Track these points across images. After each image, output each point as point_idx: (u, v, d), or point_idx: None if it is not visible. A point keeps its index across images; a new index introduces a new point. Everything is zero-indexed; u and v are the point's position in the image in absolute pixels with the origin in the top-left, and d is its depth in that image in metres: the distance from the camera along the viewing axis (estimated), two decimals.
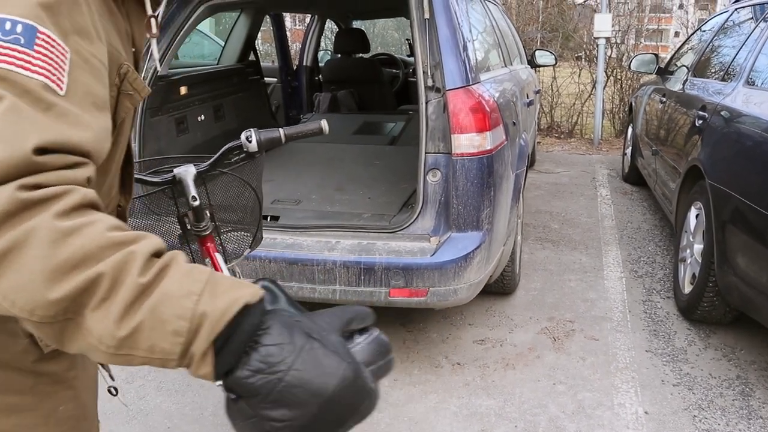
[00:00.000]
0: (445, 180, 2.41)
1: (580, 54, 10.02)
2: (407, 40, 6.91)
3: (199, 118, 3.20)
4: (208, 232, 1.54)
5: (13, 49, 0.62)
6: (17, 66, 0.62)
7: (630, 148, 5.94)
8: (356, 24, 6.16)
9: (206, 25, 6.96)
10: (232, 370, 0.59)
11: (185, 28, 2.82)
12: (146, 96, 0.88)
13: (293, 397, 0.58)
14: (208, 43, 5.93)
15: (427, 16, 2.45)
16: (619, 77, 8.49)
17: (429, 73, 2.42)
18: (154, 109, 2.75)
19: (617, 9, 9.11)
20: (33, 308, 0.57)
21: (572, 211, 5.06)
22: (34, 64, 0.63)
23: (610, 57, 8.40)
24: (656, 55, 5.14)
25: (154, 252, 0.61)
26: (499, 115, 2.60)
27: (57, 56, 0.65)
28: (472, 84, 2.46)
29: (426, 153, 2.41)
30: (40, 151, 0.60)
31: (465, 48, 2.51)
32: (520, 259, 3.56)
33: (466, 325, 3.13)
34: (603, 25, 7.42)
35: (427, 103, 2.41)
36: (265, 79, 4.56)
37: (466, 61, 2.47)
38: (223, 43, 4.32)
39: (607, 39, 7.78)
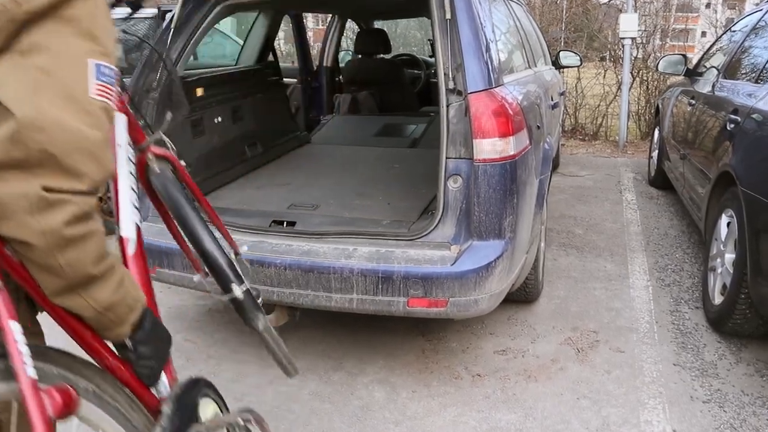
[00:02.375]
0: (467, 186, 2.33)
1: (604, 54, 9.84)
2: (429, 40, 6.83)
3: (216, 120, 3.16)
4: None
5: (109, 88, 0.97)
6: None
7: (656, 151, 5.79)
8: (377, 24, 6.10)
9: (228, 25, 6.94)
10: (134, 336, 1.13)
11: (201, 28, 2.78)
12: None
13: (159, 350, 1.20)
14: (230, 43, 5.90)
15: (448, 16, 2.37)
16: (645, 78, 8.32)
17: (450, 76, 2.34)
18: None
19: (643, 8, 8.92)
20: (76, 275, 0.97)
21: (597, 216, 4.94)
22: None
23: (635, 58, 8.23)
24: (684, 56, 5.00)
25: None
26: (522, 118, 2.51)
27: None
28: (495, 87, 2.38)
29: (447, 158, 2.33)
30: None
31: (487, 49, 2.43)
32: (543, 266, 3.46)
33: (487, 335, 3.04)
34: (629, 25, 7.26)
35: (448, 106, 2.33)
36: (285, 80, 4.52)
37: (489, 63, 2.39)
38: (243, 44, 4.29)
39: (633, 39, 7.61)
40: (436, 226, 2.37)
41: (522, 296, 3.20)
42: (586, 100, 8.59)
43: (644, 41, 8.43)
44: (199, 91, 3.10)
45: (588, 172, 6.50)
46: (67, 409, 0.96)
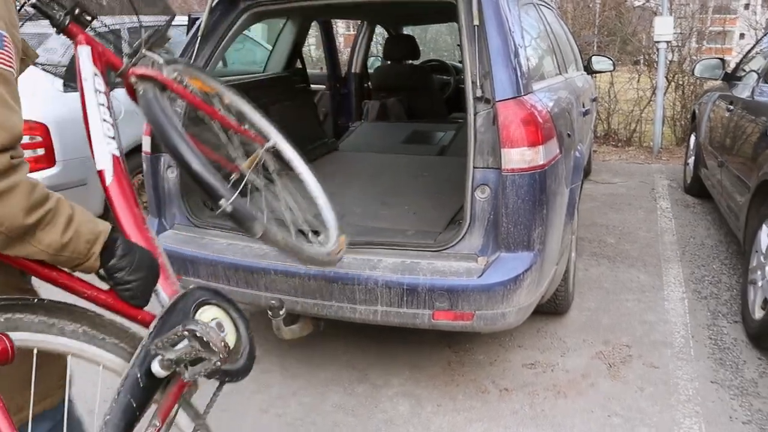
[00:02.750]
0: (495, 197, 2.27)
1: (638, 58, 9.64)
2: (459, 45, 6.78)
3: None
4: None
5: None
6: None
7: (693, 157, 5.63)
8: (407, 30, 6.06)
9: (258, 32, 6.98)
10: (107, 264, 1.18)
11: (229, 35, 2.77)
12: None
13: (137, 272, 1.21)
14: (260, 50, 5.93)
15: (476, 22, 2.32)
16: (680, 83, 8.13)
17: (478, 83, 2.29)
18: (195, 119, 2.70)
19: (678, 11, 8.72)
20: (11, 226, 1.00)
21: (630, 225, 4.82)
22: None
23: (671, 61, 8.05)
24: (722, 60, 4.85)
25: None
26: (552, 126, 2.44)
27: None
28: (524, 94, 2.31)
29: (474, 168, 2.27)
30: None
31: (516, 56, 2.37)
32: (574, 276, 3.37)
33: (516, 347, 2.97)
34: (664, 28, 7.10)
35: (475, 114, 2.28)
36: (314, 86, 4.50)
37: (518, 70, 2.33)
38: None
39: (668, 43, 7.45)
40: (462, 237, 2.32)
41: (552, 308, 3.12)
42: (619, 105, 8.43)
43: (680, 44, 8.23)
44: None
45: (621, 179, 6.36)
46: (4, 355, 1.02)
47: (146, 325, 1.26)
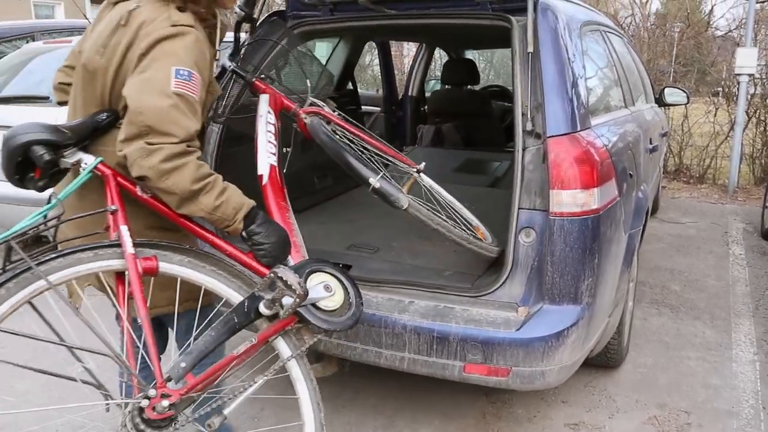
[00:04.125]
0: (540, 242, 2.05)
1: (717, 90, 9.13)
2: None
3: (284, 150, 3.03)
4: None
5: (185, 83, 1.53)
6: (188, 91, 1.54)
7: None
8: (468, 54, 5.88)
9: (323, 50, 6.94)
10: (248, 228, 1.62)
11: (273, 54, 2.67)
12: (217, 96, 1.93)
13: (270, 237, 1.65)
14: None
15: (530, 49, 2.12)
16: (762, 118, 7.61)
17: (528, 116, 2.09)
18: (232, 140, 2.60)
19: (764, 41, 8.21)
20: (183, 191, 1.50)
21: (697, 271, 4.45)
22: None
23: (752, 95, 7.55)
24: None
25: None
26: (611, 166, 2.21)
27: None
28: (580, 130, 2.09)
29: (519, 209, 2.06)
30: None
31: (574, 87, 2.16)
32: (630, 327, 3.08)
33: (559, 402, 2.71)
34: (747, 60, 6.67)
35: (524, 150, 2.08)
36: (367, 108, 4.37)
37: (574, 103, 2.12)
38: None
39: (751, 75, 6.99)
40: (503, 283, 2.10)
41: (602, 361, 2.85)
42: (693, 139, 7.96)
43: (763, 78, 7.72)
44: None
45: (691, 219, 5.95)
46: (151, 269, 1.53)
47: None
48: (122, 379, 1.84)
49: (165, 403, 1.44)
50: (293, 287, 1.52)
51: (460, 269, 2.37)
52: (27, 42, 5.98)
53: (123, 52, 1.57)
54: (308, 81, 2.32)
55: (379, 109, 4.92)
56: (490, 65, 9.96)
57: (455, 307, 2.13)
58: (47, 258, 1.42)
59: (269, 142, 2.03)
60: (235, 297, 1.64)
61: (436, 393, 2.73)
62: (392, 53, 5.08)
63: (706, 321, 3.60)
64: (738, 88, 7.03)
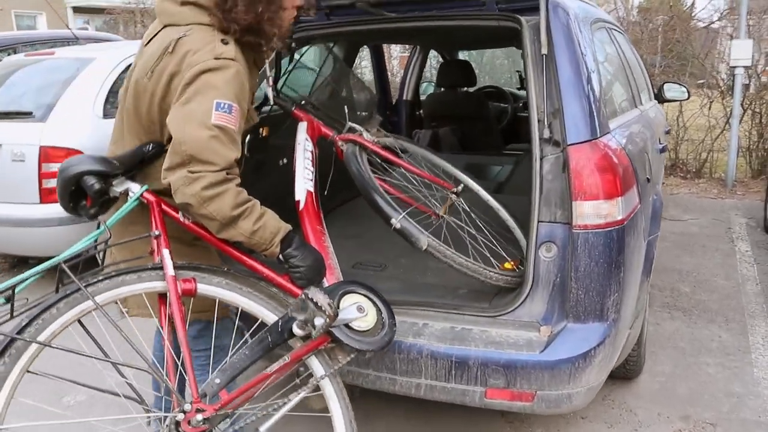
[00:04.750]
0: (562, 257, 1.93)
1: (702, 81, 9.06)
2: (518, 72, 6.41)
3: (281, 162, 2.89)
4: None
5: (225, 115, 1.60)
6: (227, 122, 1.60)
7: None
8: (462, 54, 5.75)
9: (315, 56, 6.78)
10: (284, 251, 1.70)
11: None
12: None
13: (306, 260, 1.73)
14: (312, 75, 5.71)
15: (544, 51, 1.99)
16: (758, 110, 7.53)
17: (546, 122, 1.96)
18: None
19: (757, 33, 8.13)
20: (223, 217, 1.58)
21: (705, 271, 4.35)
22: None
23: (747, 87, 7.47)
24: None
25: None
26: (632, 173, 2.09)
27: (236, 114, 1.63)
28: (601, 136, 1.97)
29: (539, 222, 1.94)
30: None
31: (592, 90, 2.03)
32: (645, 336, 2.97)
33: (578, 419, 2.59)
34: (742, 52, 6.58)
35: (542, 159, 1.95)
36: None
37: (593, 107, 1.99)
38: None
39: (746, 68, 6.91)
40: (523, 301, 1.97)
41: (621, 373, 2.73)
42: (688, 134, 7.87)
43: (757, 70, 7.64)
44: (265, 131, 2.85)
45: (692, 216, 5.85)
46: (190, 291, 1.61)
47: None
48: (158, 394, 1.88)
49: (199, 417, 1.52)
50: (323, 308, 1.57)
51: (475, 287, 2.24)
52: (8, 54, 5.80)
53: (168, 80, 1.64)
54: (345, 107, 2.39)
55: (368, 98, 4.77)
56: (480, 65, 9.82)
57: (473, 328, 2.00)
58: (95, 280, 1.53)
59: (306, 168, 2.12)
60: (270, 317, 1.71)
61: (450, 414, 2.59)
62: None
63: (720, 324, 3.49)
64: (733, 81, 6.95)
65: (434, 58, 6.20)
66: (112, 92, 4.10)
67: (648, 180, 2.46)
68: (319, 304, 1.57)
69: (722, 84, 8.06)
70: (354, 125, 2.37)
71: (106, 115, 3.96)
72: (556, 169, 1.92)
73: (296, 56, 2.63)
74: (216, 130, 1.56)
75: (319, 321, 1.58)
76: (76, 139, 3.76)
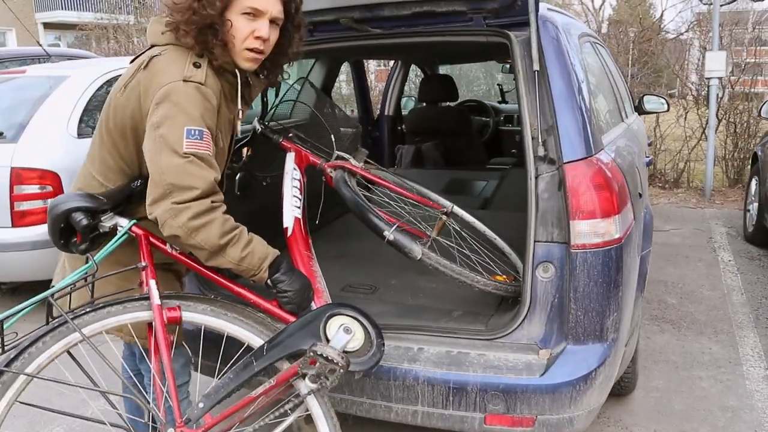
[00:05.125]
0: (560, 277, 1.88)
1: (672, 92, 9.22)
2: (498, 85, 6.41)
3: (264, 182, 2.81)
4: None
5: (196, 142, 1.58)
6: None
7: (756, 203, 5.16)
8: (442, 69, 5.73)
9: (294, 72, 6.70)
10: (272, 276, 1.68)
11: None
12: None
13: (293, 285, 1.72)
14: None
15: (536, 67, 1.95)
16: (732, 120, 7.64)
17: (540, 140, 1.92)
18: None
19: (729, 45, 8.25)
20: (212, 246, 1.56)
21: (691, 281, 4.35)
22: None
23: (721, 98, 7.58)
24: None
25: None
26: (626, 189, 2.06)
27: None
28: (596, 152, 1.93)
29: (535, 242, 1.89)
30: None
31: (585, 106, 2.00)
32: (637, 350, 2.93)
33: None
34: (716, 63, 6.68)
35: (537, 177, 1.90)
36: (343, 130, 4.16)
37: (587, 124, 1.96)
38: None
39: (720, 78, 7.01)
40: (521, 323, 1.92)
41: (615, 389, 2.66)
42: (665, 144, 7.95)
43: (731, 81, 7.76)
44: (246, 150, 2.77)
45: (673, 226, 5.88)
46: (175, 319, 1.63)
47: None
48: (134, 417, 1.92)
49: None
50: (335, 361, 1.57)
51: (470, 308, 2.19)
52: None
53: (138, 96, 1.65)
54: (332, 136, 2.45)
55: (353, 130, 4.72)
56: (456, 79, 9.82)
57: (470, 352, 1.94)
58: (81, 312, 1.55)
59: (294, 196, 2.17)
60: (257, 342, 1.70)
61: None
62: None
63: (710, 336, 3.48)
64: (708, 92, 7.04)
65: (412, 71, 6.19)
66: (87, 111, 3.99)
67: (640, 195, 2.44)
68: (330, 358, 1.57)
69: (693, 94, 8.19)
70: (341, 153, 2.41)
71: (81, 134, 3.86)
72: (552, 188, 1.88)
73: (283, 87, 2.64)
74: (190, 157, 1.56)
75: (331, 376, 1.59)
76: (49, 161, 3.64)
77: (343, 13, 2.38)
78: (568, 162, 1.85)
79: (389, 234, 2.01)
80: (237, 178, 2.56)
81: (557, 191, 1.87)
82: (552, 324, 1.91)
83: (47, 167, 3.61)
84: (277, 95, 2.64)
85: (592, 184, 1.84)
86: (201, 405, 1.58)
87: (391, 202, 2.42)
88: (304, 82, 2.92)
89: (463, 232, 2.37)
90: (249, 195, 2.74)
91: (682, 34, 10.42)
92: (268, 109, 2.55)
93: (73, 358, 1.62)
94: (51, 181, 3.59)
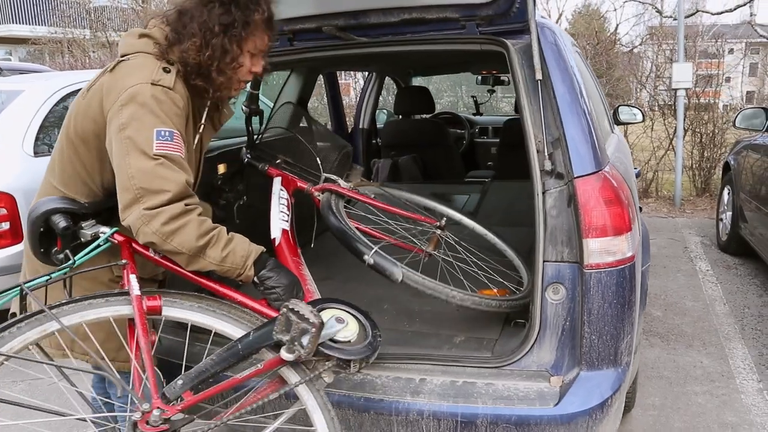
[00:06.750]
0: (571, 298, 1.76)
1: (629, 102, 9.38)
2: (473, 97, 6.34)
3: (240, 202, 2.64)
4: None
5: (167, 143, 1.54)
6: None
7: (729, 213, 5.18)
8: (415, 81, 5.63)
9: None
10: (258, 274, 1.63)
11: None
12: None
13: (281, 281, 1.65)
14: (264, 107, 5.47)
15: (539, 76, 1.84)
16: (698, 130, 7.74)
17: (546, 153, 1.80)
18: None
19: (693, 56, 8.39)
20: (189, 249, 1.51)
21: (673, 293, 4.31)
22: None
23: (687, 108, 7.68)
24: (765, 110, 4.43)
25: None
26: (633, 204, 1.95)
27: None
28: (605, 166, 1.83)
29: (545, 261, 1.77)
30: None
31: (590, 116, 1.90)
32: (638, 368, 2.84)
33: None
34: (682, 75, 6.75)
35: (544, 193, 1.78)
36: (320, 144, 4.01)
37: (593, 135, 1.85)
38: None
39: (687, 89, 7.09)
40: (530, 349, 1.79)
41: None
42: (635, 154, 8.00)
43: (697, 92, 7.87)
44: (222, 168, 2.60)
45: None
46: (155, 309, 1.58)
47: None
48: (104, 398, 1.94)
49: (156, 412, 1.46)
50: (308, 317, 1.49)
51: (472, 333, 2.05)
52: None
53: (100, 99, 1.60)
54: (318, 159, 2.45)
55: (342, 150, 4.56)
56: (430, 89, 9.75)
57: (477, 381, 1.80)
58: (60, 303, 1.49)
59: (281, 211, 2.18)
60: (239, 333, 1.65)
61: None
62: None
63: (699, 349, 3.42)
64: (675, 102, 7.11)
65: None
66: (44, 128, 3.75)
67: (641, 209, 2.35)
68: (301, 314, 1.49)
69: (651, 104, 8.32)
70: (330, 176, 2.39)
71: (38, 153, 3.62)
72: (560, 204, 1.76)
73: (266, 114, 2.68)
74: (160, 159, 1.52)
75: (305, 339, 1.50)
76: (2, 181, 3.39)
77: (326, 21, 2.25)
78: (578, 177, 1.73)
79: (369, 258, 1.94)
80: (235, 207, 2.50)
81: (566, 207, 1.75)
82: (563, 349, 1.79)
83: (1, 188, 3.35)
84: (261, 122, 2.61)
85: (604, 199, 1.73)
86: (180, 382, 1.53)
87: (381, 222, 2.31)
88: (289, 106, 2.98)
89: (459, 242, 2.31)
90: (248, 223, 2.58)
91: (636, 46, 10.69)
92: (254, 138, 2.56)
93: (43, 351, 1.60)
94: (5, 203, 3.34)
